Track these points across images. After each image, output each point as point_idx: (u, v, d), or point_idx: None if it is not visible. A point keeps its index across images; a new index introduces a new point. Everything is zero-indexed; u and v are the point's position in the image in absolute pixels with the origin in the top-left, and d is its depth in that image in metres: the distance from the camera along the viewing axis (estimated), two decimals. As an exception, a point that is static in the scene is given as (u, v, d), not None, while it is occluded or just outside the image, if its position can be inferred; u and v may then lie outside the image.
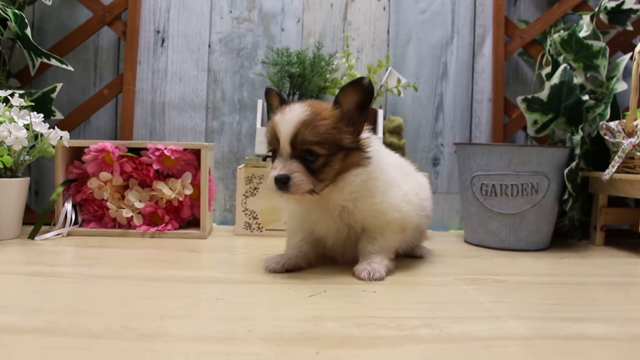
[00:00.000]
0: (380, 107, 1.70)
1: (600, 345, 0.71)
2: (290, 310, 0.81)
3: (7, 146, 1.30)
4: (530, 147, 1.41)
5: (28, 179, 1.42)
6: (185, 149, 1.47)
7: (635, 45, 1.47)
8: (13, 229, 1.37)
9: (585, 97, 1.54)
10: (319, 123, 0.96)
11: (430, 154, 1.80)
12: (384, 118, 1.71)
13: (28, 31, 1.46)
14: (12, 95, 1.35)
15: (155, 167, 1.45)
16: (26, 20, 1.45)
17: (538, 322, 0.79)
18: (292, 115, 0.96)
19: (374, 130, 1.57)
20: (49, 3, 1.58)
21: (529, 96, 1.59)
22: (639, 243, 1.42)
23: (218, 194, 1.76)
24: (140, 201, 1.47)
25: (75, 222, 1.47)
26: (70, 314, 0.77)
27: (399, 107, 1.78)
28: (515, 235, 1.43)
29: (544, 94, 1.57)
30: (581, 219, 1.61)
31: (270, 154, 1.05)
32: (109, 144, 1.44)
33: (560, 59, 1.64)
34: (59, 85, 1.58)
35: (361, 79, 0.97)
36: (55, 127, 1.42)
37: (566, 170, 1.41)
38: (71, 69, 1.56)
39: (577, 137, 1.45)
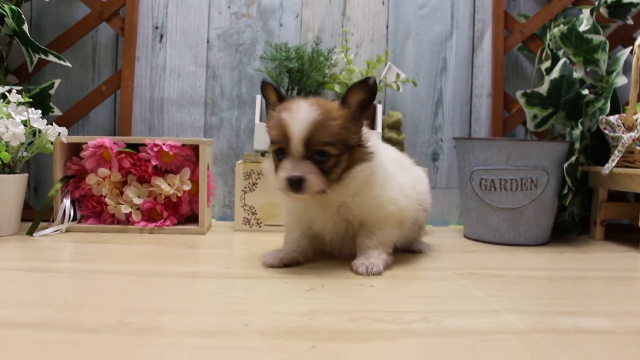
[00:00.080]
0: (380, 102, 1.69)
1: (597, 339, 0.71)
2: (286, 305, 0.81)
3: (5, 142, 1.30)
4: (530, 142, 1.40)
5: (26, 175, 1.42)
6: (183, 145, 1.47)
7: (635, 39, 1.46)
8: (11, 225, 1.37)
9: (585, 92, 1.53)
10: (331, 123, 0.95)
11: (429, 149, 1.80)
12: (383, 113, 1.70)
13: (25, 27, 1.46)
14: (9, 91, 1.35)
15: (153, 163, 1.45)
16: (23, 16, 1.45)
17: (535, 316, 0.79)
18: (304, 115, 0.94)
19: (372, 125, 1.57)
20: (47, -1, 1.58)
21: (529, 91, 1.59)
22: (639, 238, 1.41)
23: (217, 190, 1.76)
24: (138, 197, 1.47)
25: (74, 218, 1.47)
26: (65, 308, 0.77)
27: (398, 102, 1.78)
28: (515, 230, 1.42)
29: (543, 89, 1.56)
30: (581, 214, 1.61)
31: (268, 150, 1.05)
32: (107, 140, 1.44)
33: (560, 53, 1.63)
34: (57, 82, 1.58)
35: (367, 78, 0.98)
36: (54, 123, 1.42)
37: (566, 165, 1.40)
38: (69, 65, 1.55)
39: (577, 132, 1.45)
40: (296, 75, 1.60)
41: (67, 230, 1.42)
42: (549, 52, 1.61)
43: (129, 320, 0.72)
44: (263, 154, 1.53)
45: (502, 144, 1.40)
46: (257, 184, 1.54)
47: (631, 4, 1.62)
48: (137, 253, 1.20)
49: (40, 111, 1.38)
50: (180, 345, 0.64)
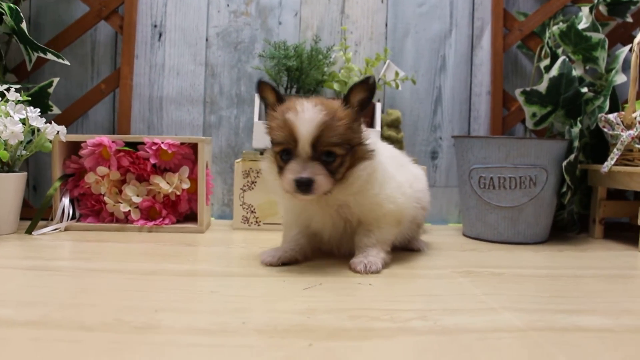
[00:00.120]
0: (379, 101, 1.69)
1: (595, 337, 0.71)
2: (284, 303, 0.81)
3: (4, 141, 1.30)
4: (529, 140, 1.40)
5: (25, 173, 1.41)
6: (182, 143, 1.47)
7: (634, 37, 1.46)
8: (10, 224, 1.37)
9: (584, 90, 1.53)
10: (337, 123, 0.95)
11: (428, 147, 1.80)
12: (382, 111, 1.70)
13: (24, 25, 1.46)
14: (8, 89, 1.35)
15: (152, 161, 1.45)
16: (21, 14, 1.45)
17: (534, 314, 0.79)
18: (311, 116, 0.93)
19: (371, 123, 1.57)
20: (45, -3, 1.58)
21: (528, 89, 1.59)
22: (638, 236, 1.41)
23: (216, 188, 1.76)
24: (137, 195, 1.47)
25: (73, 217, 1.47)
26: (63, 307, 0.77)
27: (397, 100, 1.78)
28: (514, 229, 1.42)
29: (542, 87, 1.56)
30: (580, 212, 1.61)
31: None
32: (105, 139, 1.43)
33: (559, 51, 1.63)
34: (56, 80, 1.58)
35: (368, 78, 0.99)
36: (52, 121, 1.41)
37: (564, 163, 1.40)
38: (67, 63, 1.55)
39: (576, 130, 1.45)
40: (295, 73, 1.60)
41: (66, 229, 1.42)
42: (548, 50, 1.61)
43: (127, 319, 0.72)
44: (262, 152, 1.53)
45: (501, 142, 1.40)
46: (255, 182, 1.54)
47: (630, 2, 1.62)
48: (135, 251, 1.20)
49: (39, 109, 1.38)
50: (178, 344, 0.64)
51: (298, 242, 1.10)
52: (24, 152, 1.40)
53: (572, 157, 1.40)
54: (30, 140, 1.40)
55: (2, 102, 1.33)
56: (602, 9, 1.65)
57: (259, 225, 1.55)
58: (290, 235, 1.12)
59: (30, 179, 1.73)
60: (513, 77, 1.81)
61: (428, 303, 0.84)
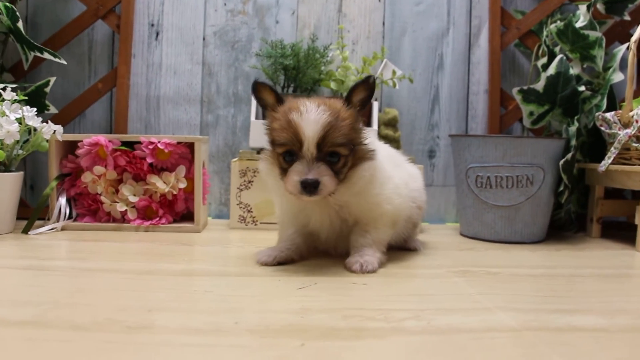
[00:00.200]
0: (376, 100, 1.69)
1: (590, 337, 0.70)
2: (278, 303, 0.81)
3: (0, 140, 1.30)
4: (525, 139, 1.40)
5: (22, 173, 1.41)
6: (179, 143, 1.47)
7: (632, 36, 1.45)
8: (7, 223, 1.37)
9: (582, 88, 1.53)
10: (342, 124, 0.95)
11: (426, 146, 1.79)
12: (379, 110, 1.70)
13: (20, 24, 1.45)
14: (4, 89, 1.35)
15: (149, 160, 1.45)
16: (17, 13, 1.44)
17: (528, 314, 0.79)
18: (316, 117, 0.93)
19: (368, 122, 1.57)
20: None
21: (525, 87, 1.58)
22: (635, 235, 1.41)
23: (213, 188, 1.76)
24: (134, 195, 1.47)
25: (70, 217, 1.47)
26: (58, 306, 0.77)
27: (394, 99, 1.77)
28: (511, 228, 1.42)
29: (540, 85, 1.56)
30: (578, 211, 1.60)
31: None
32: (102, 138, 1.43)
33: (557, 49, 1.62)
34: (53, 79, 1.57)
35: (368, 77, 0.99)
36: (49, 121, 1.41)
37: (561, 162, 1.40)
38: (64, 62, 1.55)
39: (573, 129, 1.44)
40: (292, 72, 1.60)
41: (62, 229, 1.42)
42: (546, 49, 1.61)
43: (120, 318, 0.72)
44: (259, 151, 1.53)
45: (497, 141, 1.39)
46: (252, 181, 1.54)
47: (628, 0, 1.61)
48: (132, 251, 1.20)
49: (35, 109, 1.38)
50: (171, 343, 0.64)
51: (294, 242, 1.10)
52: (20, 152, 1.39)
53: (569, 156, 1.39)
54: (27, 140, 1.40)
55: (-2, 101, 1.33)
56: (600, 7, 1.65)
57: (255, 224, 1.55)
58: (286, 234, 1.12)
59: (28, 179, 1.73)
60: (511, 76, 1.80)
61: (422, 303, 0.84)
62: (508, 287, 0.96)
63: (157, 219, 1.46)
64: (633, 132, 1.36)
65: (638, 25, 1.41)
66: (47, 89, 1.57)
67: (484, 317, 0.77)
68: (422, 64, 1.78)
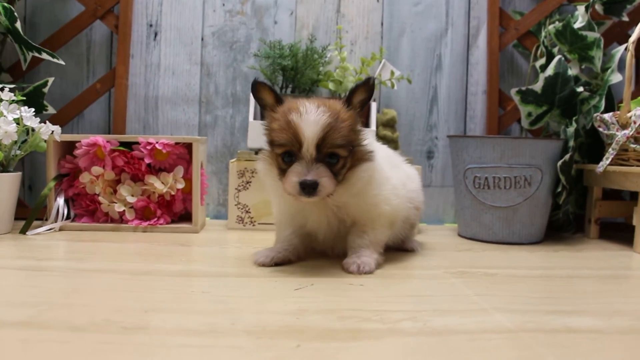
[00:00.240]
0: (374, 100, 1.69)
1: (586, 338, 0.70)
2: (275, 304, 0.81)
3: (-3, 141, 1.30)
4: (523, 140, 1.40)
5: (19, 173, 1.41)
6: (177, 143, 1.47)
7: (630, 36, 1.45)
8: (5, 223, 1.37)
9: (580, 89, 1.53)
10: (342, 125, 0.95)
11: (424, 147, 1.79)
12: (378, 111, 1.70)
13: (18, 25, 1.45)
14: (2, 89, 1.35)
15: (147, 161, 1.45)
16: (16, 14, 1.44)
17: (525, 315, 0.79)
18: (315, 118, 0.93)
19: (366, 123, 1.57)
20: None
21: (523, 88, 1.58)
22: (633, 236, 1.41)
23: (212, 188, 1.76)
24: (132, 195, 1.46)
25: (68, 217, 1.47)
26: (54, 307, 0.77)
27: (393, 99, 1.77)
28: (509, 229, 1.42)
29: (538, 86, 1.56)
30: (576, 212, 1.60)
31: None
32: (100, 138, 1.43)
33: (555, 50, 1.63)
34: (51, 80, 1.57)
35: (368, 79, 0.99)
36: (47, 121, 1.41)
37: (559, 163, 1.40)
38: (62, 62, 1.55)
39: (571, 129, 1.44)
40: (290, 73, 1.60)
41: (60, 229, 1.42)
42: (544, 49, 1.61)
43: (117, 319, 0.72)
44: (257, 152, 1.53)
45: (495, 141, 1.39)
46: (250, 182, 1.54)
47: (626, 1, 1.62)
48: (129, 251, 1.20)
49: (33, 109, 1.37)
50: (167, 344, 0.64)
51: (291, 242, 1.10)
52: (18, 152, 1.39)
53: (567, 156, 1.39)
54: (25, 140, 1.40)
55: (-4, 101, 1.33)
56: (598, 7, 1.65)
57: (253, 225, 1.55)
58: (283, 235, 1.12)
59: (26, 179, 1.73)
60: (509, 77, 1.81)
61: (419, 304, 0.84)
62: (505, 288, 0.96)
63: (155, 219, 1.46)
64: (631, 133, 1.36)
65: (636, 26, 1.41)
66: (46, 90, 1.57)
67: (481, 318, 0.77)
68: (420, 65, 1.78)
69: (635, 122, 1.35)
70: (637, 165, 1.36)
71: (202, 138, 1.51)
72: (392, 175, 1.11)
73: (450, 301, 0.86)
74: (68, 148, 1.50)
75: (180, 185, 1.47)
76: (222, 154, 1.76)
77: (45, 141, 1.41)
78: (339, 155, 0.96)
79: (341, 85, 1.60)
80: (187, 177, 1.49)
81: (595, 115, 1.47)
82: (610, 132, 1.42)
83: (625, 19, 1.65)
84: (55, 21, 1.70)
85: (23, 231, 1.36)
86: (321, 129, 0.93)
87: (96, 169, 1.45)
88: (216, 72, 1.75)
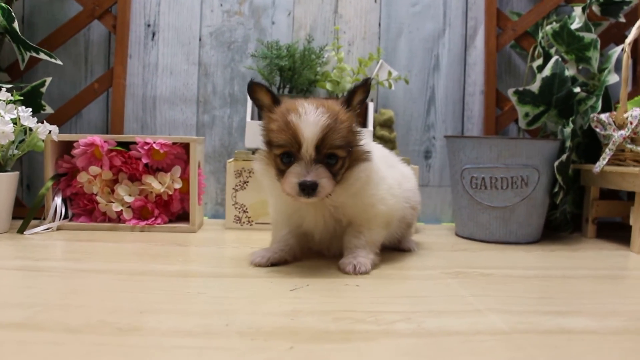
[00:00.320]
0: (371, 100, 1.69)
1: (579, 339, 0.71)
2: (269, 305, 0.81)
3: (-5, 141, 1.30)
4: (520, 140, 1.40)
5: (17, 173, 1.42)
6: (174, 143, 1.47)
7: (627, 37, 1.45)
8: (2, 223, 1.37)
9: (577, 90, 1.53)
10: (341, 126, 0.95)
11: (422, 147, 1.80)
12: (375, 111, 1.70)
13: (16, 25, 1.45)
14: (-1, 89, 1.35)
15: (144, 161, 1.45)
16: (13, 13, 1.44)
17: (519, 316, 0.79)
18: (315, 119, 0.93)
19: (364, 123, 1.57)
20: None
21: (521, 88, 1.58)
22: (630, 236, 1.41)
23: (209, 188, 1.76)
24: (129, 195, 1.47)
25: (65, 216, 1.47)
26: (49, 308, 0.77)
27: (390, 100, 1.77)
28: (505, 228, 1.42)
29: (535, 87, 1.56)
30: (573, 212, 1.61)
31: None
32: (97, 138, 1.43)
33: (552, 51, 1.63)
34: (49, 80, 1.57)
35: (366, 80, 1.00)
36: (44, 121, 1.41)
37: (556, 163, 1.40)
38: (60, 62, 1.55)
39: (568, 130, 1.44)
40: (287, 73, 1.60)
41: (58, 229, 1.42)
42: (541, 50, 1.61)
43: (112, 320, 0.72)
44: (254, 152, 1.53)
45: (492, 142, 1.40)
46: (248, 182, 1.54)
47: (623, 2, 1.62)
48: (127, 251, 1.20)
49: (30, 109, 1.38)
50: (161, 346, 0.64)
51: (287, 243, 1.10)
52: (16, 152, 1.40)
53: (564, 157, 1.40)
54: (23, 140, 1.40)
55: (-6, 102, 1.33)
56: (595, 9, 1.65)
57: (251, 224, 1.56)
58: (279, 235, 1.12)
59: (24, 178, 1.73)
60: (506, 77, 1.81)
61: (414, 305, 0.84)
62: (501, 288, 0.96)
63: (153, 219, 1.47)
64: (627, 134, 1.37)
65: (633, 27, 1.41)
66: (43, 89, 1.57)
67: (475, 319, 0.77)
68: (418, 65, 1.78)
69: (631, 123, 1.36)
70: (634, 166, 1.36)
71: (200, 138, 1.51)
72: (388, 175, 1.11)
73: (445, 302, 0.86)
74: (66, 148, 1.50)
75: (178, 185, 1.47)
76: (220, 153, 1.76)
77: (42, 141, 1.41)
78: (338, 156, 0.96)
79: (338, 85, 1.60)
80: (185, 177, 1.49)
81: (592, 115, 1.47)
82: (607, 132, 1.42)
83: (622, 20, 1.66)
84: (53, 21, 1.70)
85: (21, 230, 1.36)
86: (320, 130, 0.93)
87: (94, 169, 1.45)
88: (214, 72, 1.76)
